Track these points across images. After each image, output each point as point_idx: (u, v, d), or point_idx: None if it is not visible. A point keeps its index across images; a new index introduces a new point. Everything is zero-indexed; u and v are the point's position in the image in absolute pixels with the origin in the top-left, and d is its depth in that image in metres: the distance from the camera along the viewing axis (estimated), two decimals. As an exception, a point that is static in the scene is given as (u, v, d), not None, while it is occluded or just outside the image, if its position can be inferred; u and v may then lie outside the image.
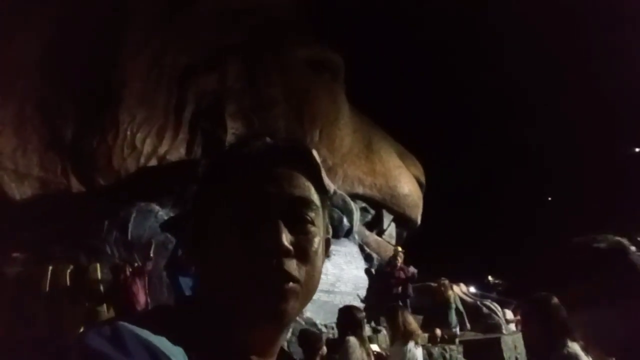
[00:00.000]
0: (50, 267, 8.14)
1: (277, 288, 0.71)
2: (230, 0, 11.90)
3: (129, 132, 10.73)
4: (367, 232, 12.57)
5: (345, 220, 10.83)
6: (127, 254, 8.85)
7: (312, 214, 0.78)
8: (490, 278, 21.94)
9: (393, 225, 13.77)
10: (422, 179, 14.14)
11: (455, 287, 12.76)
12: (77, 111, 10.53)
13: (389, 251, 11.37)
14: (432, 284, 13.03)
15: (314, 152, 0.88)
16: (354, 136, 12.66)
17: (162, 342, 0.61)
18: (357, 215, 11.34)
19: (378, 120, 13.72)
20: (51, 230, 8.54)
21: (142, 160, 10.81)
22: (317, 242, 0.78)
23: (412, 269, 10.30)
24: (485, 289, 16.27)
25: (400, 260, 10.25)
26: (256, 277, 0.70)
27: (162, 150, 10.84)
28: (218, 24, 11.42)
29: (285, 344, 0.82)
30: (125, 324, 0.60)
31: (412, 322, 5.07)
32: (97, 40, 10.57)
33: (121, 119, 10.64)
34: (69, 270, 8.23)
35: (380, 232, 13.28)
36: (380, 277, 10.17)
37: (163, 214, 9.41)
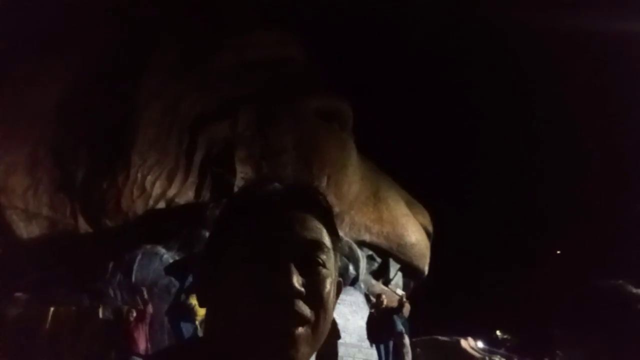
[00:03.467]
0: (52, 309, 8.06)
1: (287, 332, 0.70)
2: (244, 53, 12.29)
3: (139, 175, 10.85)
4: (374, 281, 12.37)
5: (351, 268, 10.70)
6: (130, 297, 8.74)
7: (323, 257, 0.78)
8: (498, 333, 21.38)
9: (400, 274, 13.56)
10: (430, 228, 14.03)
11: (462, 342, 12.45)
12: (89, 154, 10.71)
13: (395, 301, 11.15)
14: (441, 338, 12.75)
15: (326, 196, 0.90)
16: (361, 183, 12.69)
17: None
18: (363, 263, 11.20)
19: (386, 169, 13.79)
20: (56, 271, 8.51)
21: (151, 202, 10.87)
22: (329, 284, 0.78)
23: (404, 314, 10.10)
24: (493, 344, 15.82)
25: (384, 302, 10.05)
26: (266, 321, 0.69)
27: (171, 193, 10.91)
28: (232, 75, 11.74)
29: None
30: None
31: None
32: (112, 87, 10.88)
33: (132, 162, 10.79)
34: (71, 313, 8.15)
35: (387, 282, 13.06)
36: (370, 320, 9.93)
37: (168, 257, 9.36)
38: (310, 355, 0.74)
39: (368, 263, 12.10)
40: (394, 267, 13.17)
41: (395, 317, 9.56)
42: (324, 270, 0.77)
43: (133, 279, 8.98)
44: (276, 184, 0.83)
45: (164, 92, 11.41)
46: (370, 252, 12.55)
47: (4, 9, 10.36)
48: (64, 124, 10.44)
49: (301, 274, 0.73)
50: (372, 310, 10.00)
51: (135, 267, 9.14)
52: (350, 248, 10.91)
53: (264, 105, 11.67)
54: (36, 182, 10.39)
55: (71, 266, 8.59)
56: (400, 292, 13.04)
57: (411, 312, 11.01)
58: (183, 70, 11.49)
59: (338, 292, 0.84)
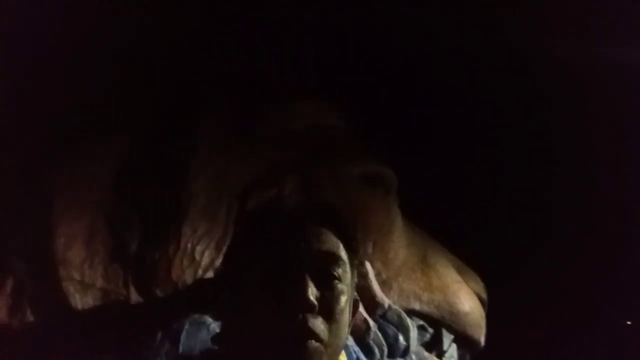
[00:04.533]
0: (101, 377, 8.13)
1: (299, 347, 0.69)
2: (288, 122, 12.73)
3: (189, 245, 11.07)
4: (426, 354, 11.72)
5: (401, 338, 10.21)
6: (177, 366, 8.72)
7: (340, 270, 0.78)
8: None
9: (454, 346, 12.83)
10: (484, 295, 13.35)
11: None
12: (142, 224, 11.09)
13: (450, 375, 10.52)
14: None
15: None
16: (408, 249, 12.39)
17: None
18: (414, 333, 10.69)
19: (434, 234, 13.50)
20: (105, 340, 8.64)
21: (200, 272, 10.99)
22: (344, 300, 0.78)
23: None
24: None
25: None
26: (278, 334, 0.69)
27: (219, 262, 11.02)
28: (276, 144, 12.11)
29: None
30: None
31: None
32: (166, 158, 11.44)
33: (183, 232, 11.05)
34: (120, 382, 8.19)
35: (440, 354, 12.35)
36: None
37: (216, 326, 9.34)
38: None
39: (419, 333, 11.52)
40: (447, 337, 12.47)
41: None
42: (339, 285, 0.77)
43: (180, 348, 8.97)
44: (290, 202, 0.85)
45: (214, 161, 11.84)
46: (421, 322, 12.00)
47: (71, 85, 11.29)
48: (119, 194, 10.95)
49: (316, 288, 0.72)
50: None
51: (182, 336, 9.14)
52: (400, 317, 10.47)
53: (308, 172, 11.89)
54: (92, 254, 10.78)
55: (121, 335, 8.72)
56: (456, 365, 12.35)
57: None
58: (232, 140, 11.97)
59: (354, 311, 0.82)
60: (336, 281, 0.77)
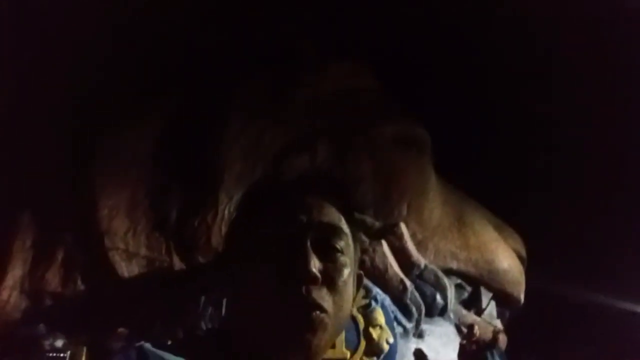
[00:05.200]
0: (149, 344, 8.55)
1: (304, 318, 0.70)
2: (320, 86, 12.65)
3: (226, 212, 11.33)
4: (464, 311, 11.79)
5: (438, 297, 10.29)
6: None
7: (341, 243, 0.77)
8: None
9: (493, 303, 12.82)
10: (523, 252, 13.22)
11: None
12: (181, 194, 11.40)
13: (489, 332, 10.54)
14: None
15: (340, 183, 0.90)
16: (443, 209, 12.32)
17: None
18: (451, 292, 10.74)
19: (470, 192, 13.31)
20: (152, 307, 9.04)
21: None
22: (347, 273, 0.76)
23: (499, 345, 9.52)
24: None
25: (477, 333, 9.53)
26: (283, 306, 0.69)
27: (256, 227, 11.26)
28: (309, 109, 12.09)
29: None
30: (152, 347, 0.62)
31: None
32: (201, 128, 11.61)
33: (220, 200, 11.32)
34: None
35: (479, 312, 12.39)
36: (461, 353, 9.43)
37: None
38: (328, 344, 0.74)
39: (457, 292, 11.56)
40: (485, 295, 12.48)
41: (487, 353, 9.04)
42: (342, 258, 0.76)
43: (223, 312, 9.30)
44: (291, 176, 0.84)
45: (248, 129, 11.97)
46: (459, 281, 12.02)
47: (107, 61, 11.48)
48: (158, 166, 11.24)
49: (319, 260, 0.72)
50: (464, 342, 9.55)
51: (224, 300, 9.48)
52: (436, 276, 10.52)
53: (341, 136, 11.85)
54: (135, 224, 11.20)
55: (166, 302, 9.10)
56: (495, 322, 12.35)
57: (509, 344, 10.34)
58: (264, 106, 12.02)
59: (358, 285, 0.82)
60: (338, 254, 0.75)
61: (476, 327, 9.99)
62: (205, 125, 11.71)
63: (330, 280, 0.74)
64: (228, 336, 0.73)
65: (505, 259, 12.54)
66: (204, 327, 8.95)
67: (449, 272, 11.59)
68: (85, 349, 8.62)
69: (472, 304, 12.33)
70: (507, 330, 11.31)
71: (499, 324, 11.99)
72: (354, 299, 0.78)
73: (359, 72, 14.12)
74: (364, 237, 9.51)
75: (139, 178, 11.67)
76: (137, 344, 0.63)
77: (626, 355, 13.79)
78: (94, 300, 9.85)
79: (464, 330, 10.70)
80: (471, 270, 12.15)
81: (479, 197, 13.55)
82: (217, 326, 9.60)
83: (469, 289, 12.22)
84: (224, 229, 12.32)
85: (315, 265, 0.72)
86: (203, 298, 9.32)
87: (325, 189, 0.80)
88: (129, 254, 11.10)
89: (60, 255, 11.31)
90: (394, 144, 12.25)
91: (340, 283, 0.75)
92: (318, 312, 0.70)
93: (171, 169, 11.38)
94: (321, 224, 0.77)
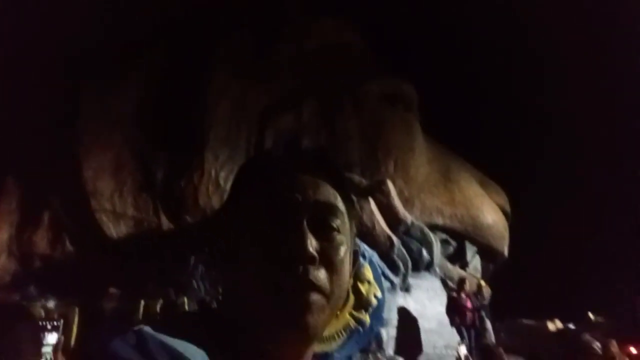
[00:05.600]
0: (142, 302, 8.65)
1: (301, 298, 0.69)
2: (304, 43, 12.41)
3: (213, 172, 11.29)
4: (450, 266, 12.05)
5: (424, 252, 10.47)
6: (212, 288, 9.18)
7: (337, 221, 0.76)
8: (591, 316, 20.10)
9: (477, 257, 13.09)
10: (507, 207, 13.41)
11: (550, 325, 11.85)
12: (167, 155, 11.31)
13: (474, 286, 10.82)
14: (526, 322, 12.21)
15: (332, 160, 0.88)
16: (430, 166, 12.38)
17: (186, 348, 0.61)
18: (437, 247, 10.92)
19: (456, 149, 13.35)
20: (143, 267, 9.10)
21: (226, 197, 11.26)
22: (344, 250, 0.75)
23: (484, 297, 9.83)
24: (586, 327, 14.92)
25: (467, 287, 9.82)
26: (280, 286, 0.69)
27: (244, 187, 11.25)
28: (294, 66, 11.90)
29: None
30: (150, 330, 0.62)
31: None
32: (184, 89, 11.41)
33: (206, 160, 11.25)
34: (159, 305, 8.70)
35: (464, 265, 12.67)
36: (448, 306, 9.74)
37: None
38: (325, 324, 0.73)
39: (443, 247, 11.77)
40: (470, 250, 12.74)
41: (484, 320, 9.37)
42: (338, 236, 0.75)
43: (214, 271, 9.40)
44: (285, 153, 0.82)
45: (231, 88, 11.79)
46: (445, 236, 12.20)
47: (86, 21, 11.13)
48: (142, 127, 11.09)
49: (315, 239, 0.72)
50: (454, 294, 9.82)
51: (217, 259, 9.55)
52: (423, 232, 10.67)
53: (326, 94, 11.73)
54: (121, 185, 11.13)
55: (157, 262, 9.16)
56: (479, 275, 12.67)
57: (493, 295, 10.65)
58: (247, 65, 11.81)
59: (354, 262, 0.82)
60: (335, 232, 0.74)
61: (467, 282, 10.25)
62: (189, 85, 11.51)
63: (327, 259, 0.72)
64: (221, 318, 0.72)
65: (490, 214, 12.73)
66: (195, 286, 9.06)
67: (434, 228, 11.76)
68: (77, 310, 8.71)
69: (457, 258, 12.60)
70: (491, 283, 11.63)
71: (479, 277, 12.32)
72: (350, 276, 0.77)
73: (344, 28, 13.86)
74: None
75: (123, 138, 11.52)
76: (136, 328, 0.62)
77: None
78: (83, 262, 9.88)
79: (450, 283, 10.98)
80: (456, 225, 12.34)
81: (464, 153, 13.62)
82: (208, 286, 9.72)
83: (454, 243, 12.44)
84: (211, 189, 12.32)
85: (312, 244, 0.71)
86: (193, 258, 9.40)
87: (319, 165, 0.78)
88: (116, 215, 11.08)
89: (46, 217, 11.25)
90: (380, 102, 12.17)
91: (337, 262, 0.74)
92: (316, 293, 0.70)
93: (156, 130, 11.23)
94: (317, 203, 0.75)
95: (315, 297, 0.69)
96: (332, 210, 0.75)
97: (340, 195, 0.78)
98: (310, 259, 0.69)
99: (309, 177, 0.76)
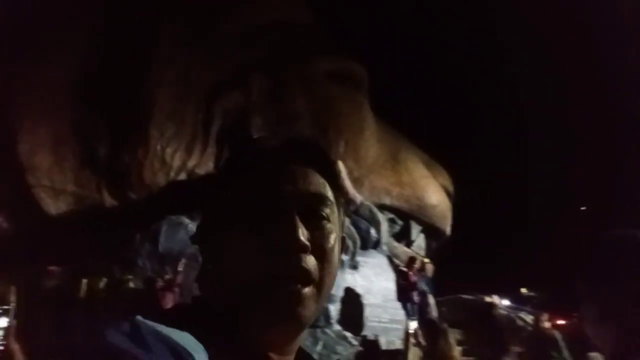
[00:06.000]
0: (85, 280, 8.37)
1: (292, 288, 0.69)
2: (252, 17, 12.14)
3: (158, 148, 10.97)
4: (396, 244, 12.42)
5: (372, 231, 10.75)
6: (158, 266, 9.01)
7: (327, 210, 0.76)
8: (524, 290, 21.46)
9: (422, 236, 13.58)
10: (451, 188, 13.92)
11: (487, 300, 12.48)
12: (110, 129, 10.85)
13: (418, 263, 11.22)
14: (465, 297, 12.82)
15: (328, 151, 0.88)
16: (379, 147, 12.60)
17: (181, 337, 0.61)
18: (384, 226, 11.23)
19: (403, 130, 13.64)
20: (86, 244, 8.78)
21: (172, 174, 11.02)
22: (334, 238, 0.76)
23: (427, 274, 10.31)
24: (519, 301, 15.85)
25: (416, 266, 10.23)
26: (271, 276, 0.69)
27: (190, 164, 11.03)
28: (241, 41, 11.63)
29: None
30: (145, 320, 0.61)
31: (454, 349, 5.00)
32: (127, 60, 10.92)
33: (151, 135, 10.90)
34: (102, 283, 8.44)
35: (409, 244, 13.11)
36: (398, 280, 10.16)
37: (193, 226, 9.54)
38: (317, 310, 0.74)
39: (390, 226, 12.11)
40: (415, 229, 13.19)
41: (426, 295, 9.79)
42: (328, 225, 0.75)
43: (160, 249, 9.22)
44: (274, 140, 0.82)
45: (176, 61, 11.39)
46: (392, 215, 12.55)
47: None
48: (83, 100, 10.56)
49: (305, 228, 0.72)
50: (405, 269, 10.17)
51: (161, 237, 9.37)
52: (371, 211, 10.93)
53: (275, 71, 11.58)
54: (60, 160, 10.61)
55: (100, 239, 8.86)
56: (422, 253, 13.14)
57: (436, 272, 11.08)
58: (192, 38, 11.44)
59: (342, 249, 0.83)
60: (325, 221, 0.75)
61: (418, 260, 10.60)
62: (131, 56, 11.03)
63: (318, 248, 0.73)
64: (215, 304, 0.71)
65: (434, 194, 13.17)
66: (140, 264, 8.85)
67: (382, 208, 12.05)
68: (13, 289, 8.31)
69: (403, 236, 13.01)
70: (434, 260, 12.07)
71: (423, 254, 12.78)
72: (339, 262, 0.78)
73: (295, 4, 13.65)
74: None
75: (62, 112, 10.93)
76: (130, 318, 0.60)
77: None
78: (21, 238, 9.41)
79: (396, 261, 11.32)
80: (403, 205, 12.69)
81: (410, 134, 13.94)
82: (155, 263, 9.51)
83: (400, 223, 12.83)
84: (156, 165, 11.97)
85: (303, 234, 0.71)
86: (138, 235, 9.15)
87: (308, 154, 0.78)
88: (55, 191, 10.58)
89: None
90: (330, 80, 12.15)
91: (328, 250, 0.75)
92: (308, 282, 0.70)
93: (98, 102, 10.73)
94: (307, 193, 0.75)
95: (306, 287, 0.70)
96: (322, 200, 0.76)
97: (330, 184, 0.79)
98: (303, 248, 0.70)
99: (299, 167, 0.76)
